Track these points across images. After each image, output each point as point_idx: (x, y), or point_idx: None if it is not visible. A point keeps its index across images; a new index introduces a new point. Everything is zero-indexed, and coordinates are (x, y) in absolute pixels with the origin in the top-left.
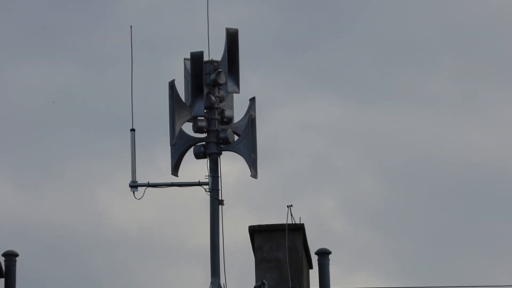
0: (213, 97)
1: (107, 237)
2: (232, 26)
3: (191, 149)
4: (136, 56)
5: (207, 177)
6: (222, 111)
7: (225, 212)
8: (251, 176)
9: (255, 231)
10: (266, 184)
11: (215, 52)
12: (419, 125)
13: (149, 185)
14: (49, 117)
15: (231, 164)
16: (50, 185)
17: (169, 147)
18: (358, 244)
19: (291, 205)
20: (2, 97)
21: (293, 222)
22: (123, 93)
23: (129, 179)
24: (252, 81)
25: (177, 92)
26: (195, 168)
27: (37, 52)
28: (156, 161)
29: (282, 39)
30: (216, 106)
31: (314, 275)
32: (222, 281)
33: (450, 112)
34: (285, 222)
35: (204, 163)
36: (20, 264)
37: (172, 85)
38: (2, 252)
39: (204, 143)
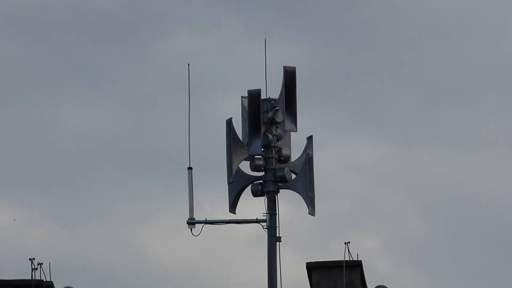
0: (270, 136)
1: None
2: (287, 64)
3: (248, 188)
4: (191, 94)
5: (265, 214)
6: (279, 150)
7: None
8: (308, 213)
9: (312, 268)
10: (319, 222)
11: (273, 90)
12: (462, 167)
13: (206, 222)
14: (93, 157)
15: (288, 203)
16: (94, 224)
17: (226, 185)
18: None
19: (349, 242)
20: (46, 137)
21: (351, 259)
22: (175, 132)
23: (175, 217)
24: (308, 120)
25: (235, 130)
26: (252, 206)
27: (80, 93)
28: (210, 200)
29: (324, 79)
30: (273, 144)
31: None
32: None
33: (494, 154)
34: (343, 259)
35: (261, 202)
36: None
37: (229, 123)
38: None
39: (261, 181)
